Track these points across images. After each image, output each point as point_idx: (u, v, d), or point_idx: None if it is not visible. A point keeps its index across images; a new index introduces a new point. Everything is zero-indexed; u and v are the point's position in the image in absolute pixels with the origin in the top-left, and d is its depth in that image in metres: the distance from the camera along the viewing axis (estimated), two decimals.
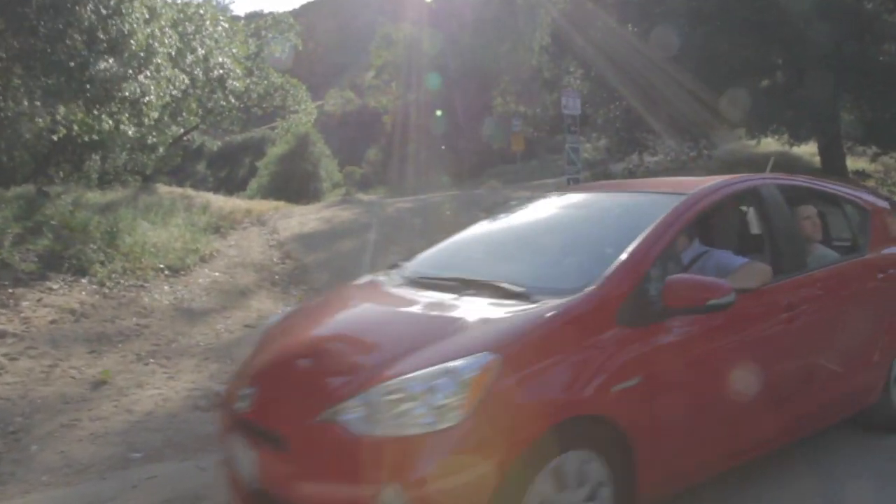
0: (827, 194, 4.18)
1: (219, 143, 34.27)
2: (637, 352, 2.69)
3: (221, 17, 17.18)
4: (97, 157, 19.14)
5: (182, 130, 21.30)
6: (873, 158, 15.85)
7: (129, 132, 12.22)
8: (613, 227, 3.36)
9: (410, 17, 40.23)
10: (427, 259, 3.66)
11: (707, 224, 3.54)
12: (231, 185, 31.13)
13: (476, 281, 2.98)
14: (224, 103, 17.46)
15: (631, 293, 2.73)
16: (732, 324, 3.05)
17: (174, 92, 12.58)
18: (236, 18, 29.68)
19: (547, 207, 3.96)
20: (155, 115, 12.42)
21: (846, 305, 3.72)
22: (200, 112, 18.50)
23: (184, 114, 19.45)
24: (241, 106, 20.96)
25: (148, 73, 10.79)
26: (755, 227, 3.86)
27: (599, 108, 15.80)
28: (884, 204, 4.33)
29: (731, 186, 3.48)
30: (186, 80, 16.72)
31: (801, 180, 4.20)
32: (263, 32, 22.00)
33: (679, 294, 2.73)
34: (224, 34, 16.34)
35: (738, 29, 13.15)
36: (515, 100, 31.93)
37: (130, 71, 10.26)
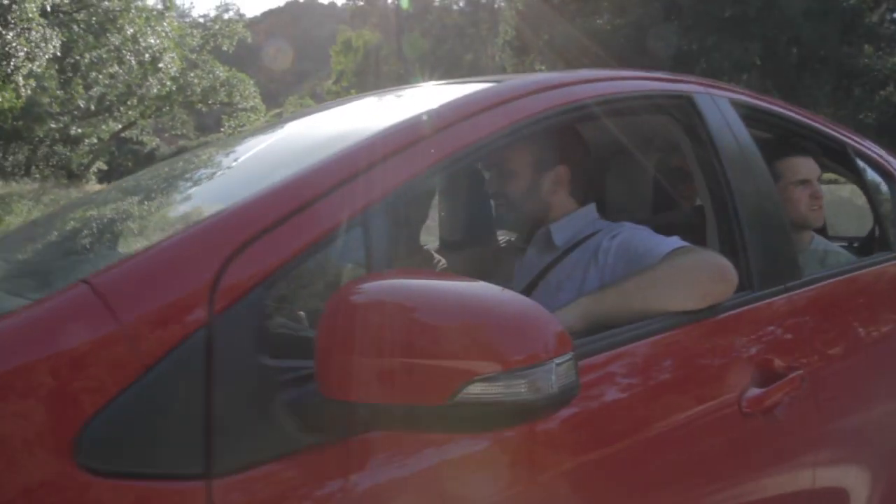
0: (833, 141, 2.00)
1: (158, 143, 32.60)
2: None
3: None
4: (21, 150, 17.48)
5: (119, 126, 19.71)
6: None
7: None
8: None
9: (373, 26, 39.37)
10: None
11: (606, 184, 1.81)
12: None
13: None
14: (159, 88, 15.90)
15: (154, 371, 0.72)
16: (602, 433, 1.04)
17: (48, 55, 10.51)
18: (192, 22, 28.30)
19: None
20: (32, 83, 10.76)
21: (881, 361, 1.64)
22: (133, 101, 16.93)
23: (120, 108, 17.88)
24: (182, 100, 19.43)
25: (17, 31, 9.12)
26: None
27: None
28: None
29: (619, 84, 1.43)
30: (117, 67, 15.20)
31: (787, 108, 1.93)
32: (209, 23, 20.62)
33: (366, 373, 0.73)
34: (154, 13, 14.82)
35: (716, 24, 12.26)
36: None
37: None
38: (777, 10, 11.97)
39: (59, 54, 10.62)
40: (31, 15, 9.29)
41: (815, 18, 11.89)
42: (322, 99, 44.58)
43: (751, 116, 1.67)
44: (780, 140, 1.92)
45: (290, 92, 52.40)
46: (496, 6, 32.57)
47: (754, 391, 1.18)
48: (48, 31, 9.85)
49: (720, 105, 1.54)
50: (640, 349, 1.10)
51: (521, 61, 15.91)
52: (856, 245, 2.40)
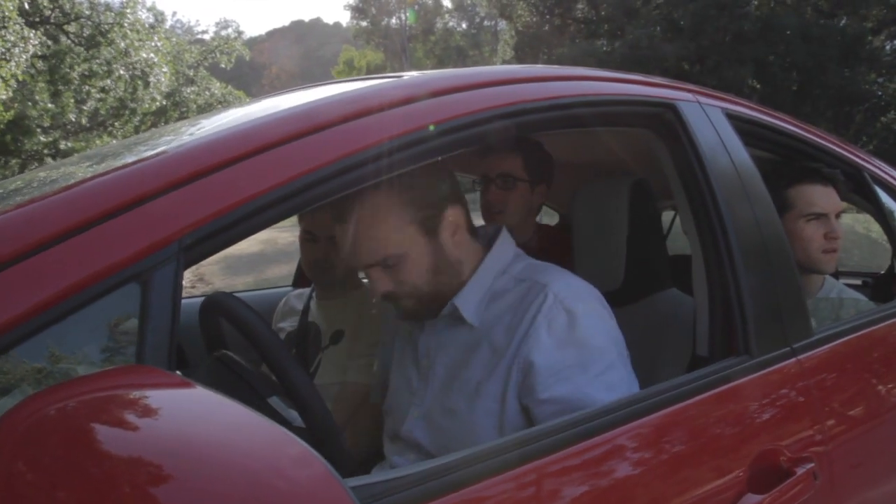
0: (848, 164, 1.67)
1: None
2: None
3: (146, 11, 15.48)
4: (10, 165, 17.36)
5: (114, 141, 19.63)
6: None
7: None
8: None
9: (376, 45, 39.49)
10: None
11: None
12: None
13: None
14: (149, 103, 15.75)
15: None
16: None
17: (26, 55, 10.10)
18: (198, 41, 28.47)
19: None
20: (13, 85, 10.41)
21: None
22: (126, 116, 16.81)
23: (115, 123, 17.76)
24: (178, 116, 19.41)
25: None
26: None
27: None
28: None
29: (575, 86, 1.11)
30: (107, 81, 15.08)
31: (796, 125, 1.57)
32: (207, 37, 20.57)
33: None
34: (145, 27, 14.67)
35: (712, 42, 12.09)
36: None
37: None
38: (776, 32, 11.82)
39: (39, 54, 10.32)
40: (7, 14, 8.97)
41: (815, 42, 11.71)
42: None
43: (751, 133, 1.38)
44: (794, 163, 1.62)
45: None
46: (498, 28, 32.62)
47: (751, 499, 0.87)
48: (26, 30, 9.50)
49: (712, 116, 1.25)
50: (593, 448, 0.80)
51: None
52: (870, 283, 2.10)
